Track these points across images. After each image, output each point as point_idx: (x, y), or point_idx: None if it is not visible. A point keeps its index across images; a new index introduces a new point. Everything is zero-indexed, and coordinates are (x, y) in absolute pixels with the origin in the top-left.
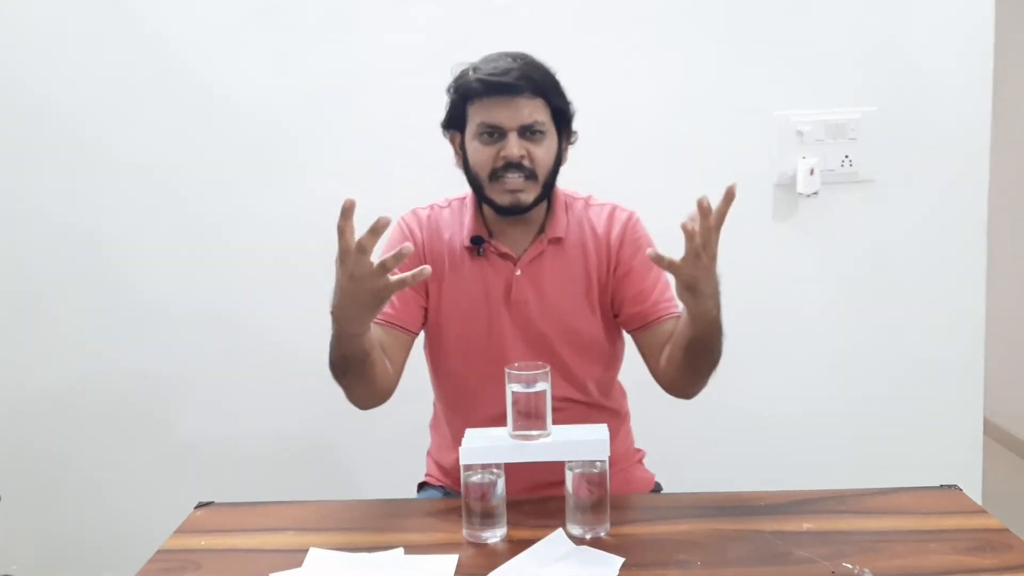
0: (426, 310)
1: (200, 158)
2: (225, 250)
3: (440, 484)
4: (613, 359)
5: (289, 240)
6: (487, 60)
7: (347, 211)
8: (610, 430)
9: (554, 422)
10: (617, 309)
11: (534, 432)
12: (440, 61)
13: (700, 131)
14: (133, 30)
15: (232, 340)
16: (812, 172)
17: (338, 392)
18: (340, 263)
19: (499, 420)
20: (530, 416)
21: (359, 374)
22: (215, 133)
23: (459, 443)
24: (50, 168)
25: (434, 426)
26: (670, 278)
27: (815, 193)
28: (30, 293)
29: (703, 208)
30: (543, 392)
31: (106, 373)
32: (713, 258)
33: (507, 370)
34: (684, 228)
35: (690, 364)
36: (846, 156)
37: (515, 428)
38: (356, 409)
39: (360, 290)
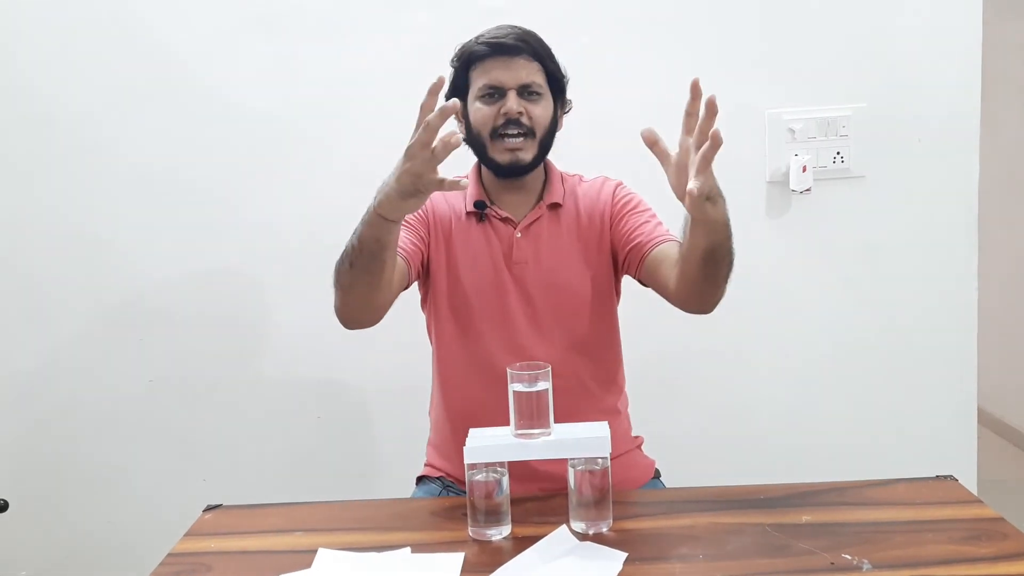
0: (424, 264)
1: (204, 162)
2: (231, 253)
3: (439, 475)
4: (611, 327)
5: (295, 242)
6: (488, 30)
7: (436, 88)
8: (610, 412)
9: (558, 395)
10: (619, 254)
11: (536, 431)
12: (438, 63)
13: None
14: (136, 37)
15: (234, 345)
16: (804, 169)
17: (344, 393)
18: (413, 146)
19: (501, 384)
20: (532, 415)
21: (368, 268)
22: (219, 137)
23: (460, 419)
24: (56, 174)
25: (433, 410)
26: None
27: (808, 190)
28: (37, 298)
29: (697, 92)
30: (545, 391)
31: (112, 378)
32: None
33: (509, 370)
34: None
35: (710, 274)
36: (838, 153)
37: (517, 427)
38: (359, 407)
39: (408, 173)
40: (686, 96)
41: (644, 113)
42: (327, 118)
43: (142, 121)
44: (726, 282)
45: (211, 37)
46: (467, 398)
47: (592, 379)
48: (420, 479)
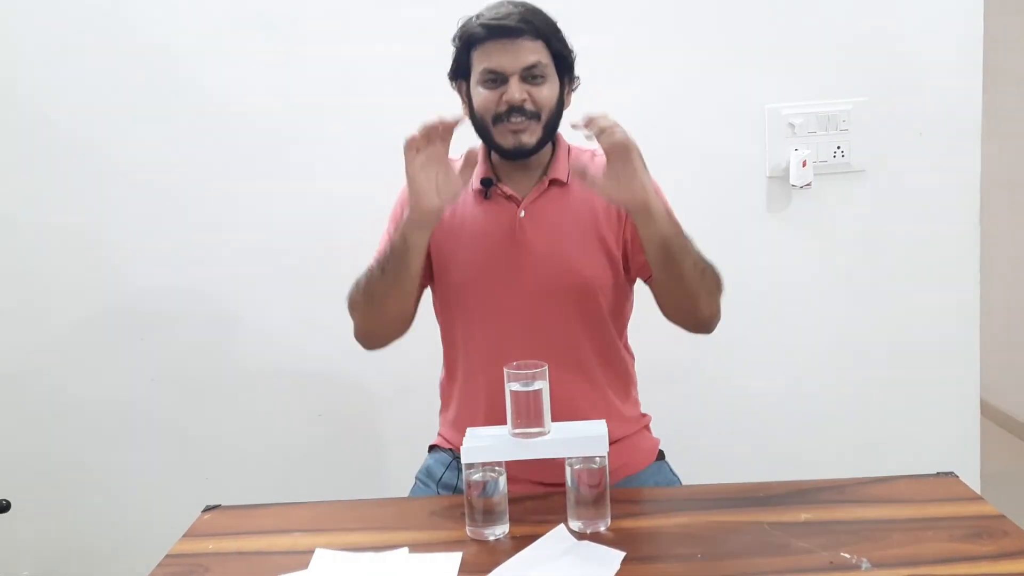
0: (431, 260)
1: (200, 163)
2: (228, 254)
3: (449, 447)
4: (619, 305)
5: (292, 242)
6: (489, 8)
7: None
8: (617, 391)
9: (560, 376)
10: (629, 257)
11: (533, 430)
12: (435, 61)
13: (693, 125)
14: (131, 38)
15: (235, 343)
16: (805, 164)
17: (343, 392)
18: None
19: (503, 359)
20: (529, 414)
21: (396, 283)
22: (214, 138)
23: (467, 393)
24: (52, 176)
25: (443, 384)
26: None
27: (808, 185)
28: (37, 298)
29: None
30: (540, 391)
31: (114, 376)
32: (640, 167)
33: (505, 369)
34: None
35: (682, 288)
36: (838, 147)
37: (515, 426)
38: (360, 408)
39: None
40: (687, 91)
41: (645, 108)
42: (327, 118)
43: (140, 121)
44: (710, 296)
45: (210, 38)
46: (472, 388)
47: (600, 374)
48: (432, 448)
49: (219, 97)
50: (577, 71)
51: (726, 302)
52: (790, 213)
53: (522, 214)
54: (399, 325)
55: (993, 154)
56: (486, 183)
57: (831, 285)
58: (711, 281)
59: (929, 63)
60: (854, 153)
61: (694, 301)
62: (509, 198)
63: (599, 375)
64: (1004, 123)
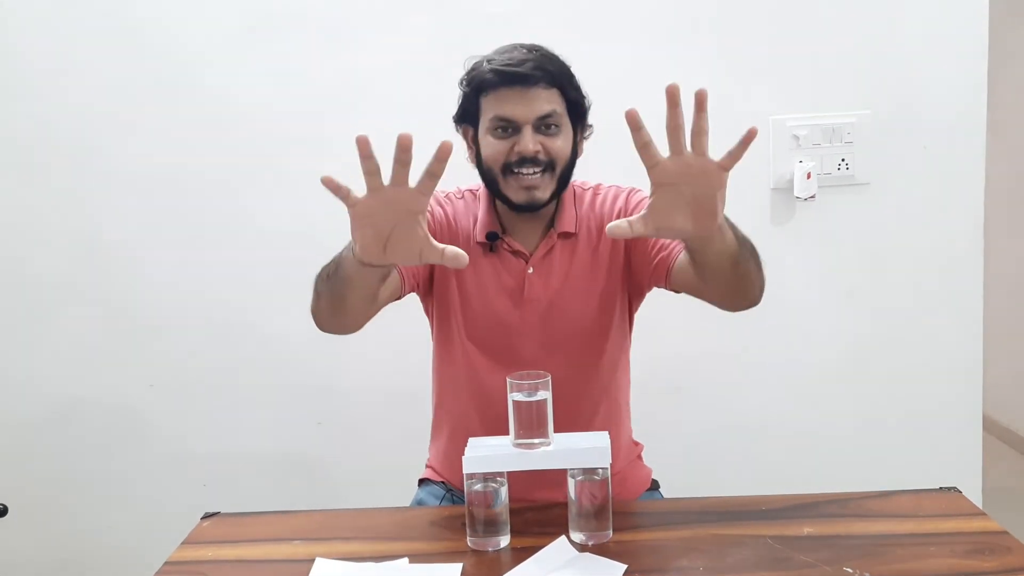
0: (429, 282)
1: (203, 168)
2: (231, 258)
3: (441, 480)
4: (624, 355)
5: (292, 249)
6: (501, 51)
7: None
8: (613, 425)
9: (561, 419)
10: (642, 271)
11: (536, 440)
12: (439, 69)
13: None
14: (137, 41)
15: (235, 350)
16: (809, 176)
17: (343, 400)
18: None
19: (500, 405)
20: (532, 425)
21: (342, 291)
22: (217, 142)
23: (463, 441)
24: (56, 177)
25: (435, 424)
26: None
27: (812, 197)
28: (36, 302)
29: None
30: (544, 401)
31: (110, 385)
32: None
33: (508, 379)
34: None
35: (741, 278)
36: (842, 159)
37: (517, 437)
38: (360, 417)
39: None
40: (691, 103)
41: (648, 120)
42: (329, 123)
43: (143, 125)
44: (756, 267)
45: (214, 41)
46: (466, 427)
47: (600, 410)
48: (422, 481)
49: (223, 101)
50: (580, 78)
51: (726, 314)
52: (794, 225)
53: (531, 271)
54: (351, 322)
55: (997, 168)
56: (491, 237)
57: (834, 297)
58: (756, 255)
59: (934, 76)
60: (858, 166)
61: (748, 281)
62: (516, 253)
63: (597, 419)
64: (1009, 137)
